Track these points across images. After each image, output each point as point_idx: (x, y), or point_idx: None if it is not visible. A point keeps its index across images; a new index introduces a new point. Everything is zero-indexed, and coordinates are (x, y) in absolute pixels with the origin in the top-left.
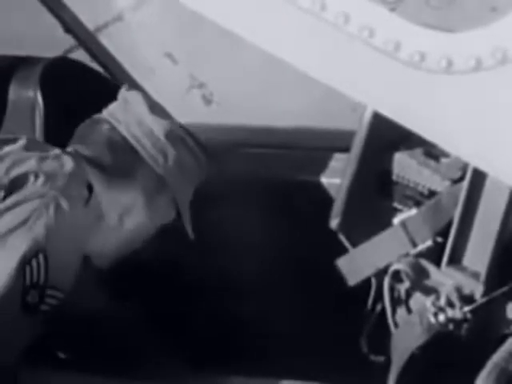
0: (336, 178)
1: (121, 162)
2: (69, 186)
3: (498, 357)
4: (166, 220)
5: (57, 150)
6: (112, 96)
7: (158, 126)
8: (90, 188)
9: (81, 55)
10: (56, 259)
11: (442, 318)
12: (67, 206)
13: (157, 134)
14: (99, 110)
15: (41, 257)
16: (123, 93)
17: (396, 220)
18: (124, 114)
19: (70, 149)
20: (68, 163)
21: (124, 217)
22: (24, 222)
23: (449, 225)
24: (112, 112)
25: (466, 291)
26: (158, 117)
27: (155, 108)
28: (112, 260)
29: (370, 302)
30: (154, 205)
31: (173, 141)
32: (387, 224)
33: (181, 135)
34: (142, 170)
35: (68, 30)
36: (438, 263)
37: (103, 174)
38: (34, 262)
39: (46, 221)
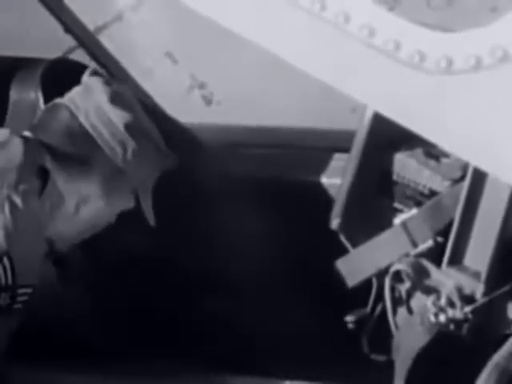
0: (336, 178)
1: (79, 150)
2: (20, 180)
3: (498, 356)
4: (124, 207)
5: (5, 134)
6: None
7: (117, 117)
8: (46, 172)
9: (81, 55)
10: (20, 258)
11: (442, 318)
12: (21, 202)
13: (116, 125)
14: None
15: (5, 260)
16: (85, 79)
17: (397, 220)
18: (84, 101)
19: (27, 133)
20: (17, 152)
21: (81, 205)
22: None
23: (449, 225)
24: (73, 98)
25: (467, 291)
26: (119, 107)
27: (117, 98)
28: (73, 244)
29: (370, 302)
30: (111, 194)
31: (133, 133)
32: (388, 224)
33: (142, 128)
34: (100, 160)
35: (68, 30)
36: (438, 263)
37: (62, 163)
38: None
39: (3, 222)
